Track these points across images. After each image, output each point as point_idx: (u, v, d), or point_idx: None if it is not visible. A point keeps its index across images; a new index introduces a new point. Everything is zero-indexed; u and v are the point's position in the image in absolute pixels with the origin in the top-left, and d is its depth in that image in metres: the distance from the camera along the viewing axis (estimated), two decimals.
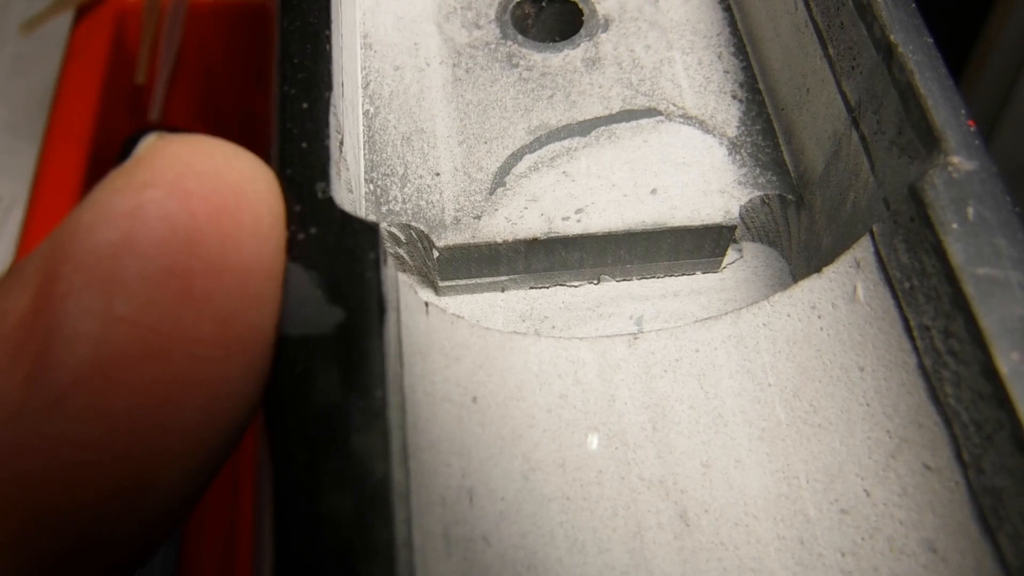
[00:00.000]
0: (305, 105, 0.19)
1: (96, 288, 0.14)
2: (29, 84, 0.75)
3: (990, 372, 0.16)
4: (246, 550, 0.49)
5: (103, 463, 0.14)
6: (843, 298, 0.19)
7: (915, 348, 0.18)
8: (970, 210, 0.17)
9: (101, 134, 0.59)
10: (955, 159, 0.18)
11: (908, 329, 0.18)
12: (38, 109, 0.67)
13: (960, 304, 0.16)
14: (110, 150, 0.60)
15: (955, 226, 0.17)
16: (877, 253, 0.19)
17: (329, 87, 0.19)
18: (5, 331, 0.14)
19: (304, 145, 0.18)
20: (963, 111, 0.19)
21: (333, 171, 0.18)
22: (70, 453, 0.13)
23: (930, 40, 0.20)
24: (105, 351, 0.13)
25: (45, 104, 0.60)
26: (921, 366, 0.18)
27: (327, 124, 0.18)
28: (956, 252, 0.17)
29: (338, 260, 0.16)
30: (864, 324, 0.19)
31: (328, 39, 0.20)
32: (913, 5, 0.21)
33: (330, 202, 0.17)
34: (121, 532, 0.15)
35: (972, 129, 0.19)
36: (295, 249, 0.16)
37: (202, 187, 0.14)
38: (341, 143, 0.19)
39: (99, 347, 0.13)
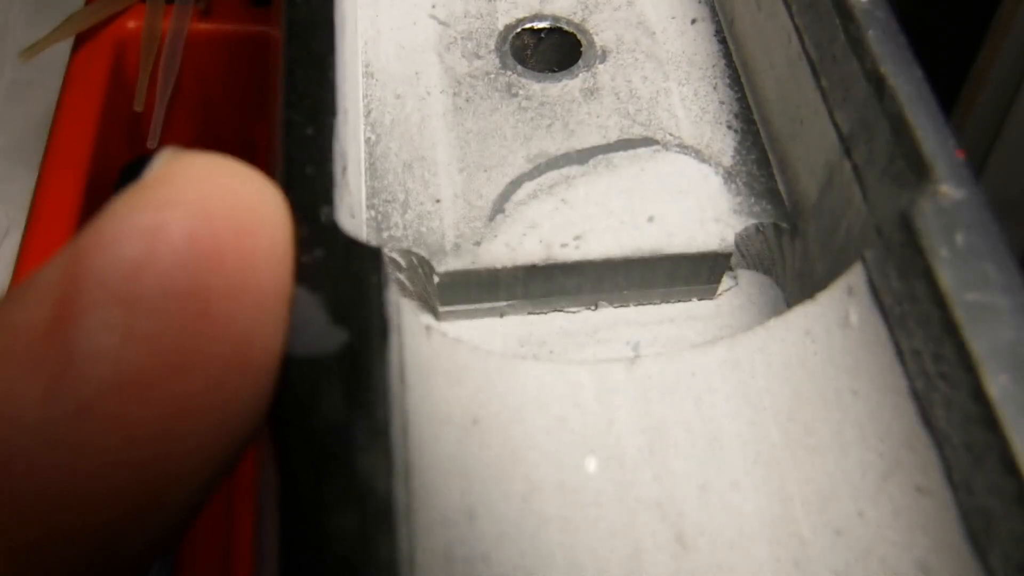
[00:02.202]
0: (310, 131, 0.19)
1: (117, 304, 0.14)
2: (27, 111, 0.75)
3: (979, 395, 0.16)
4: (241, 569, 0.49)
5: (118, 479, 0.14)
6: (836, 323, 0.20)
7: (906, 372, 0.18)
8: (959, 237, 0.18)
9: (99, 161, 0.59)
10: (944, 188, 0.18)
11: (900, 353, 0.18)
12: (36, 136, 0.68)
13: (950, 329, 0.17)
14: (108, 177, 0.61)
15: (945, 253, 0.18)
16: (869, 279, 0.19)
17: (333, 113, 0.19)
18: (23, 343, 0.14)
19: (308, 170, 0.18)
20: (952, 141, 0.19)
21: (337, 196, 0.18)
22: (87, 468, 0.14)
23: (920, 73, 0.21)
24: (125, 368, 0.14)
25: (43, 131, 0.60)
26: (913, 389, 0.18)
27: (331, 150, 0.19)
28: (946, 278, 0.17)
29: (342, 283, 0.17)
30: (857, 349, 0.19)
31: (332, 67, 0.20)
32: (904, 38, 0.22)
33: (334, 226, 0.17)
34: (129, 548, 0.15)
35: (961, 159, 0.19)
36: (300, 272, 0.17)
37: (224, 208, 0.15)
38: (344, 169, 0.20)
39: (119, 364, 0.14)
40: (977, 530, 0.16)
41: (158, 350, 0.14)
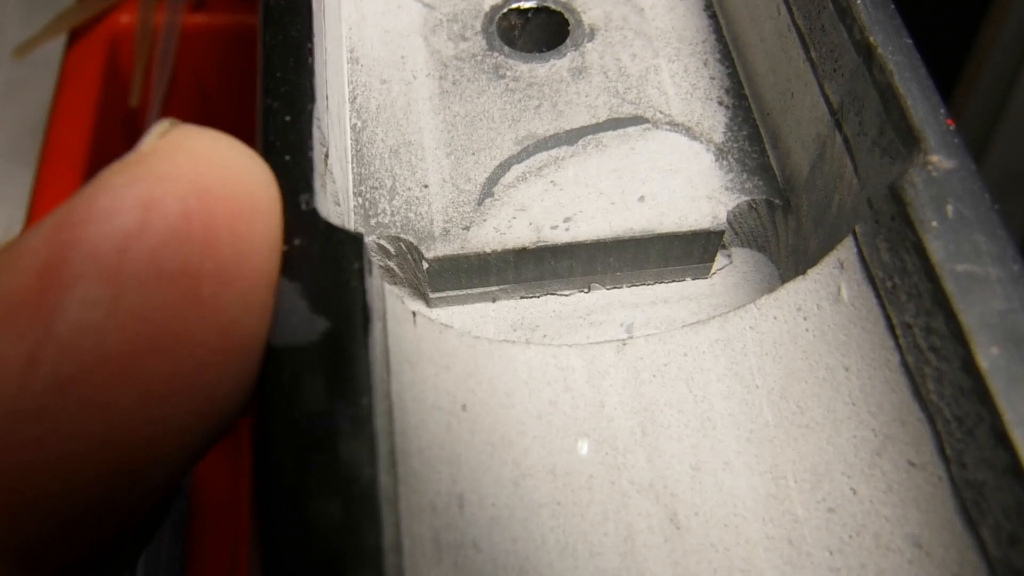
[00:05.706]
0: (288, 118, 0.19)
1: (106, 278, 0.13)
2: (23, 109, 0.75)
3: (970, 367, 0.16)
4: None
5: (92, 456, 0.13)
6: (827, 299, 0.20)
7: (898, 346, 0.18)
8: (949, 208, 0.17)
9: (96, 158, 0.59)
10: (934, 158, 0.18)
11: (891, 327, 0.18)
12: (32, 134, 0.68)
13: (940, 301, 0.17)
14: None
15: (935, 224, 0.17)
16: (860, 253, 0.19)
17: (312, 100, 0.19)
18: (4, 309, 0.13)
19: (287, 158, 0.18)
20: (942, 110, 0.19)
21: (317, 183, 0.18)
22: (63, 445, 0.13)
23: (909, 41, 0.20)
24: (110, 344, 0.13)
25: (39, 129, 0.60)
26: (904, 364, 0.18)
27: (310, 136, 0.19)
28: (936, 250, 0.17)
29: (322, 270, 0.16)
30: (848, 324, 0.19)
31: (311, 52, 0.20)
32: (892, 7, 0.21)
33: (314, 213, 0.17)
34: (101, 526, 0.15)
35: (951, 128, 0.19)
36: (281, 260, 0.16)
37: (221, 187, 0.14)
38: (326, 155, 0.19)
39: (104, 340, 0.13)
40: (969, 503, 0.16)
41: (144, 330, 0.13)
